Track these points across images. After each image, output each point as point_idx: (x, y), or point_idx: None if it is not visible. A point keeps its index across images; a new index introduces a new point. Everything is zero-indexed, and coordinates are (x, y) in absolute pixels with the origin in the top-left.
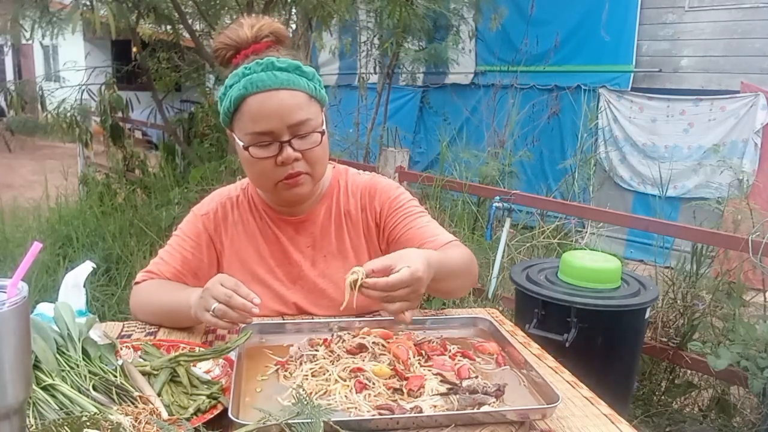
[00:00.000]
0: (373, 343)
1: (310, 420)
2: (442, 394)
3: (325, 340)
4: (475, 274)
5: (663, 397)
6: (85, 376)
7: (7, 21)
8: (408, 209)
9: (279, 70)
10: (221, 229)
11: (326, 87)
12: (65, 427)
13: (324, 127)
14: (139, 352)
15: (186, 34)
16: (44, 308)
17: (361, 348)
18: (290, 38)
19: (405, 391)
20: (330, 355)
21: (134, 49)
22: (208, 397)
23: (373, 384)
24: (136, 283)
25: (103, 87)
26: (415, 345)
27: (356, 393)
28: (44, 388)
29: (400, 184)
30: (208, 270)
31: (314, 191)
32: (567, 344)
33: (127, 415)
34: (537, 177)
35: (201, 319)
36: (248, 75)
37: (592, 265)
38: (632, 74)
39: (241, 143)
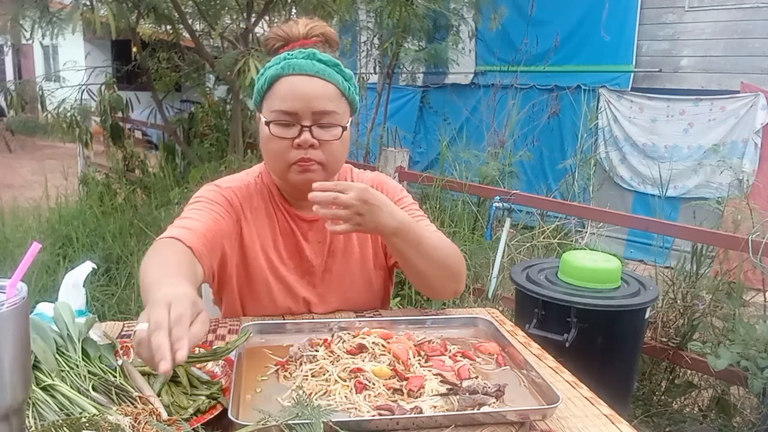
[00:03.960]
0: (373, 343)
1: (310, 420)
2: (442, 395)
3: (326, 340)
4: (457, 270)
5: (663, 397)
6: (85, 377)
7: (7, 21)
8: (410, 211)
9: (319, 61)
10: (246, 208)
11: None
12: (64, 428)
13: (347, 124)
14: None
15: (186, 34)
16: (44, 308)
17: (361, 348)
18: (338, 44)
19: (405, 391)
20: (330, 356)
21: (134, 49)
22: (208, 397)
23: (373, 384)
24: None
25: (103, 87)
26: (415, 345)
27: (356, 393)
28: (44, 389)
29: (399, 185)
30: (233, 242)
31: None
32: (567, 344)
33: (126, 415)
34: (537, 177)
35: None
36: (289, 59)
37: (592, 265)
38: (632, 74)
39: (264, 119)
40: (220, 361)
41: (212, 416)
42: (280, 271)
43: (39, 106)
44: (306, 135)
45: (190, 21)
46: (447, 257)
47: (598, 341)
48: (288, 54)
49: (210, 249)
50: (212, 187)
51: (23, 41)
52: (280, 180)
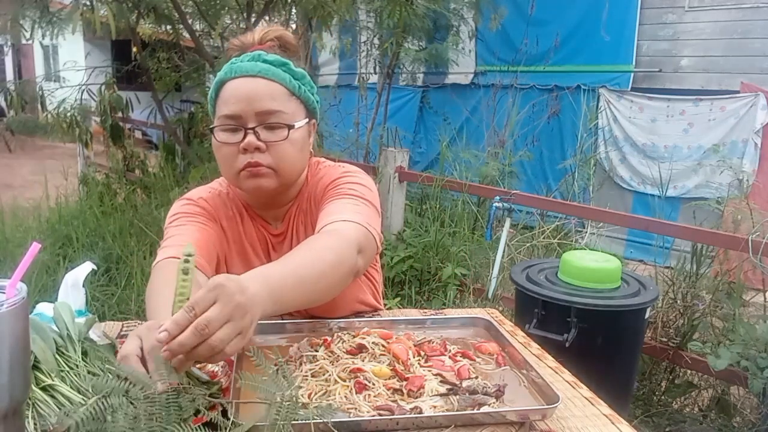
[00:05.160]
0: (373, 343)
1: (310, 421)
2: (442, 395)
3: (325, 340)
4: (348, 263)
5: (663, 397)
6: (85, 377)
7: (7, 21)
8: (336, 191)
9: (264, 62)
10: (222, 216)
11: (326, 87)
12: None
13: (297, 124)
14: None
15: (186, 34)
16: (44, 308)
17: (361, 348)
18: (296, 47)
19: (405, 391)
20: (330, 356)
21: (134, 49)
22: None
23: (373, 384)
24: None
25: (103, 87)
26: (415, 345)
27: (356, 393)
28: (44, 389)
29: (358, 170)
30: (221, 247)
31: (288, 191)
32: (567, 344)
33: None
34: (537, 177)
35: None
36: (234, 63)
37: (592, 265)
38: (632, 74)
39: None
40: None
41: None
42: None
43: (39, 106)
44: (250, 138)
45: (190, 21)
46: (335, 262)
47: (598, 341)
48: (235, 59)
49: (208, 259)
50: (184, 201)
51: (23, 41)
52: (236, 188)
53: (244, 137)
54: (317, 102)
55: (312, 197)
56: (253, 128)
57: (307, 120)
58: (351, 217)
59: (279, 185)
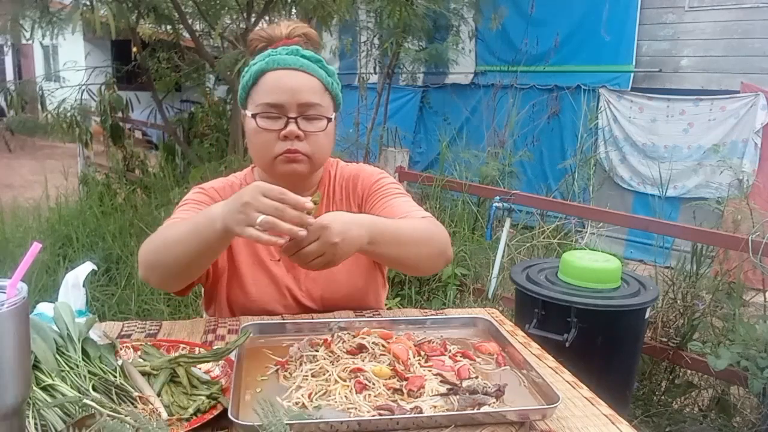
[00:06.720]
0: (373, 343)
1: (309, 421)
2: (442, 395)
3: (326, 340)
4: (441, 246)
5: (663, 397)
6: (85, 377)
7: (7, 21)
8: (387, 190)
9: (302, 56)
10: None
11: None
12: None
13: (333, 117)
14: (138, 352)
15: (186, 34)
16: (44, 308)
17: (361, 348)
18: (320, 44)
19: (405, 391)
20: (330, 356)
21: (134, 49)
22: (208, 397)
23: (373, 384)
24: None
25: (103, 87)
26: (415, 345)
27: (356, 393)
28: (44, 389)
29: (384, 170)
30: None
31: (311, 178)
32: (567, 344)
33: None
34: (537, 177)
35: (237, 233)
36: (273, 55)
37: (592, 265)
38: (632, 74)
39: (249, 113)
40: (220, 361)
41: (212, 416)
42: (271, 268)
43: (39, 106)
44: (292, 126)
45: (190, 21)
46: (429, 238)
47: (598, 341)
48: (272, 51)
49: None
50: (197, 189)
51: (23, 41)
52: (266, 173)
53: (286, 125)
54: (341, 98)
55: (347, 190)
56: (294, 118)
57: (335, 114)
58: (428, 215)
59: (309, 171)
